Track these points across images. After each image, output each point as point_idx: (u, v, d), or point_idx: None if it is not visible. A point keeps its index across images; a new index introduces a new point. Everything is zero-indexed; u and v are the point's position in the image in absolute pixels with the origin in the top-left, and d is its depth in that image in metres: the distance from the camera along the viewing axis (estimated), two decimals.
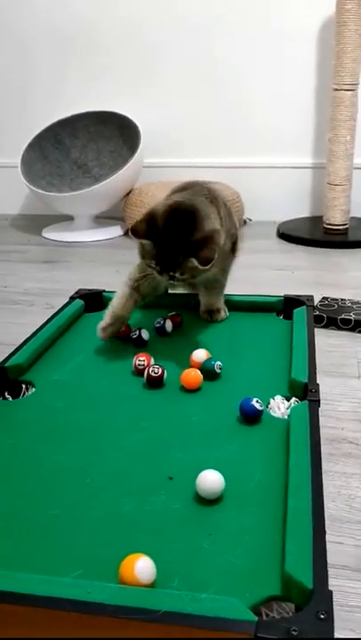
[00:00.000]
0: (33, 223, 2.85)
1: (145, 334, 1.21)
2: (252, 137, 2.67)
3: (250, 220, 2.70)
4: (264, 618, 0.60)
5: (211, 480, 0.75)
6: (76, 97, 2.74)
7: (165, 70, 2.66)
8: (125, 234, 2.60)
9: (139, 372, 1.08)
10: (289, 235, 2.45)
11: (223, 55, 2.60)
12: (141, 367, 1.08)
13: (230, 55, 2.59)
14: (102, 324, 1.20)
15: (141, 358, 1.09)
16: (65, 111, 2.69)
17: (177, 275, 1.09)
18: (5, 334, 1.63)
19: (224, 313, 1.33)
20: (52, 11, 2.69)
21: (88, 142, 2.76)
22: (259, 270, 2.10)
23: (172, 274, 1.09)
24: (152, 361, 1.09)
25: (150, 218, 1.10)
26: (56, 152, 2.75)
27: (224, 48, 2.59)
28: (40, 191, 2.54)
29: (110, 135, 2.73)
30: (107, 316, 1.20)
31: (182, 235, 1.08)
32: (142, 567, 0.61)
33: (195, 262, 1.06)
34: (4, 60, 2.82)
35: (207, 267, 1.06)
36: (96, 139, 2.75)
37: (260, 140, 2.66)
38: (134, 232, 1.10)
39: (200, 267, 1.06)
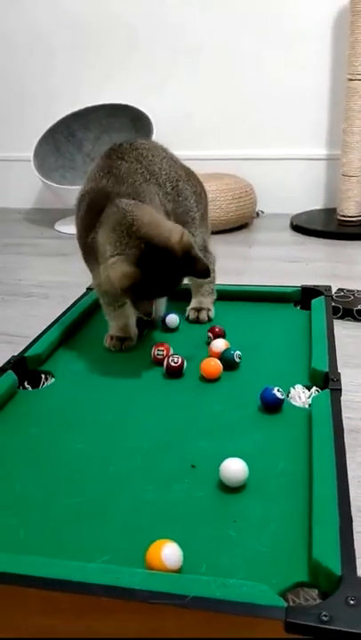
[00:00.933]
0: (46, 216, 2.85)
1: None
2: (266, 128, 2.65)
3: (262, 212, 2.69)
4: (291, 604, 0.60)
5: (235, 468, 0.75)
6: (89, 90, 2.74)
7: (178, 62, 2.65)
8: None
9: (158, 361, 1.08)
10: (303, 227, 2.44)
11: (237, 46, 2.58)
12: (160, 357, 1.08)
13: (244, 46, 2.57)
14: (115, 341, 1.17)
15: (160, 348, 1.09)
16: (77, 104, 2.69)
17: None
18: (21, 327, 1.63)
19: (211, 313, 1.29)
20: (66, 4, 2.69)
21: (100, 135, 2.76)
22: (273, 262, 2.09)
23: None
24: (171, 351, 1.09)
25: (135, 288, 1.00)
26: (69, 145, 2.75)
27: (238, 39, 2.57)
28: (53, 184, 2.54)
29: (122, 127, 2.72)
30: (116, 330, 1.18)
31: (169, 272, 1.02)
32: (169, 553, 0.61)
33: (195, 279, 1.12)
34: (16, 56, 2.82)
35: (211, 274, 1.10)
36: (109, 131, 2.75)
37: (274, 132, 2.65)
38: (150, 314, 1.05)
39: (204, 279, 1.13)
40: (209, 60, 2.62)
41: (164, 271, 1.00)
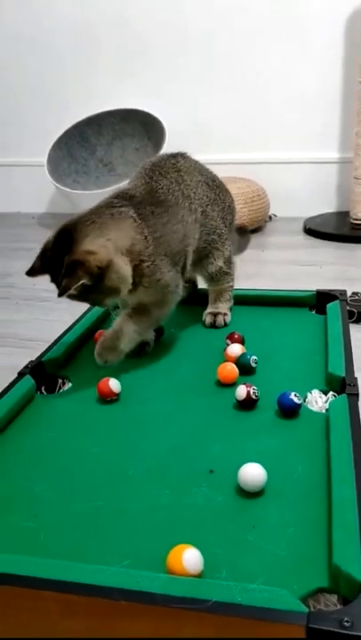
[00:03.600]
0: (59, 221, 2.82)
1: None
2: (278, 132, 2.65)
3: (275, 216, 2.68)
4: (312, 610, 0.60)
5: (253, 473, 0.75)
6: (101, 95, 2.75)
7: (190, 66, 2.66)
8: None
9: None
10: (316, 230, 2.43)
11: (247, 49, 2.59)
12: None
13: (255, 49, 2.58)
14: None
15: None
16: (90, 109, 2.71)
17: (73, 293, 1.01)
18: (36, 331, 1.64)
19: (227, 318, 1.29)
20: (77, 9, 2.71)
21: (113, 140, 2.78)
22: (286, 266, 2.09)
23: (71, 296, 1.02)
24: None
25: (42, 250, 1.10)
26: (82, 150, 2.77)
27: (248, 42, 2.58)
28: (66, 189, 2.55)
29: (134, 133, 2.73)
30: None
31: (60, 258, 1.05)
32: (190, 558, 0.62)
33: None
34: (30, 61, 2.84)
35: (62, 296, 0.98)
36: (121, 136, 2.76)
37: (286, 135, 2.65)
38: (30, 272, 1.11)
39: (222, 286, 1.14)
40: (221, 64, 2.63)
41: (54, 256, 1.08)
